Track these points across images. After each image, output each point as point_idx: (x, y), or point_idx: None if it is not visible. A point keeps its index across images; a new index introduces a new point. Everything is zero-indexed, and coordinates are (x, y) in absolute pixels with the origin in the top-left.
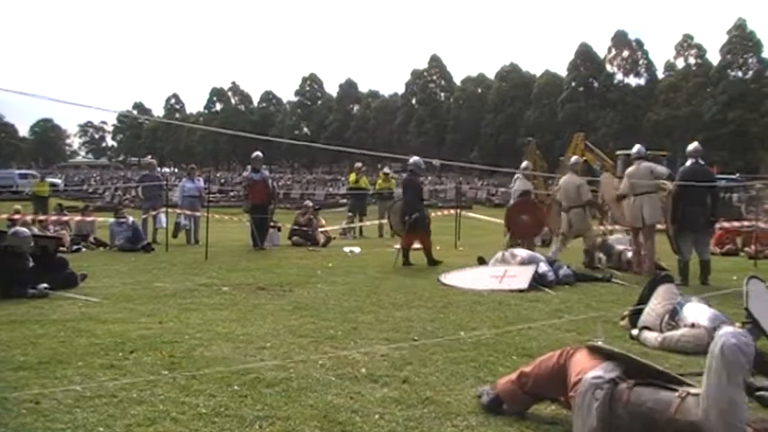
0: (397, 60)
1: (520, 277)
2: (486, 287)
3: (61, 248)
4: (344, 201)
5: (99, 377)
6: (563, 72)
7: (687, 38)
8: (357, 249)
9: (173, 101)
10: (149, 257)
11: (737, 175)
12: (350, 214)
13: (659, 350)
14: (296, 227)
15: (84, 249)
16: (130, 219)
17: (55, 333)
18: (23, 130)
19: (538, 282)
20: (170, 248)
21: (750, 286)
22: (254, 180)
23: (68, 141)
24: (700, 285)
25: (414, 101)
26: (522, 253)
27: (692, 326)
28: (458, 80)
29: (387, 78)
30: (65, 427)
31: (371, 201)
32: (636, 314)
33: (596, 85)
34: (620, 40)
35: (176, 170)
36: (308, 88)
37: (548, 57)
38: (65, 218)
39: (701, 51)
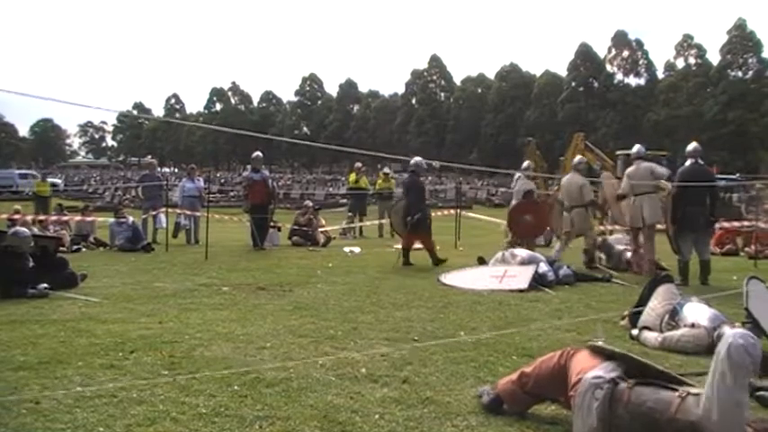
0: (397, 60)
1: (520, 277)
2: (486, 287)
3: (61, 248)
4: (344, 201)
5: (99, 377)
6: (563, 72)
7: (687, 38)
8: (357, 249)
9: (173, 101)
10: (149, 257)
11: (737, 175)
12: (350, 214)
13: (659, 350)
14: (296, 227)
15: (84, 249)
16: (130, 219)
17: (55, 333)
18: (23, 130)
19: (538, 282)
20: (170, 248)
21: (750, 287)
22: (254, 180)
23: (68, 141)
24: (700, 285)
25: (414, 101)
26: (522, 253)
27: (692, 326)
28: (458, 80)
29: (387, 78)
30: (65, 427)
31: (371, 201)
32: (636, 314)
33: (596, 85)
34: (620, 40)
35: (176, 170)
36: (308, 88)
37: (548, 57)
38: (65, 218)
39: (701, 51)
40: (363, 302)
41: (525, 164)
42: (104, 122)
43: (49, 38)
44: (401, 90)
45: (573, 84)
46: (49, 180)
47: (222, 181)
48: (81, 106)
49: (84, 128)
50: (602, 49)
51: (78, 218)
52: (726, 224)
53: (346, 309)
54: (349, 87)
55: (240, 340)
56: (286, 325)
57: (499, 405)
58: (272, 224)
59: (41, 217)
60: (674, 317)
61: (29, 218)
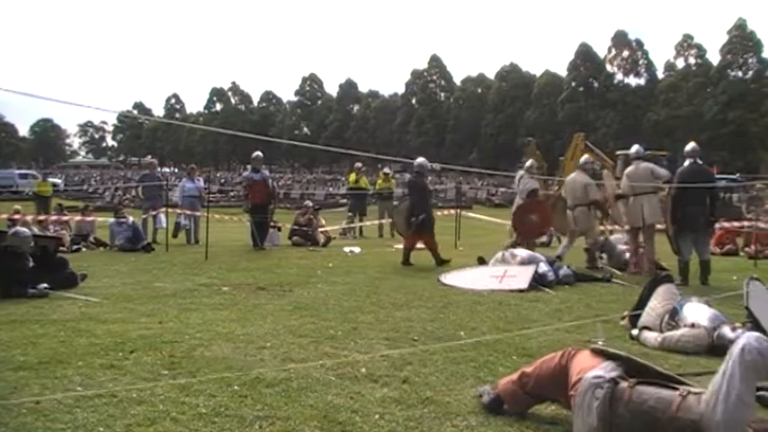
0: (397, 60)
1: (520, 277)
2: (486, 287)
3: (61, 248)
4: (344, 201)
5: (99, 377)
6: (563, 72)
7: (687, 38)
8: (357, 249)
9: (173, 101)
10: (149, 257)
11: (737, 175)
12: (350, 214)
13: (659, 350)
14: (296, 227)
15: (84, 249)
16: (130, 219)
17: (55, 333)
18: (23, 130)
19: (538, 282)
20: (170, 248)
21: (750, 287)
22: (255, 180)
23: (68, 141)
24: (700, 285)
25: (414, 101)
26: (522, 253)
27: (692, 326)
28: (458, 80)
29: (387, 78)
30: (65, 427)
31: (371, 201)
32: (636, 315)
33: (596, 85)
34: (620, 40)
35: (176, 170)
36: (308, 88)
37: (548, 57)
38: (65, 218)
39: (701, 51)
40: (363, 302)
41: (529, 162)
42: (104, 122)
43: (50, 38)
44: (401, 90)
45: (573, 84)
46: (50, 180)
47: (222, 181)
48: (81, 106)
49: (84, 128)
50: (602, 49)
51: (78, 218)
52: (726, 224)
53: (346, 309)
54: (349, 87)
55: (240, 340)
56: (286, 325)
57: (499, 405)
58: (272, 224)
59: (42, 217)
60: (674, 317)
61: (29, 218)
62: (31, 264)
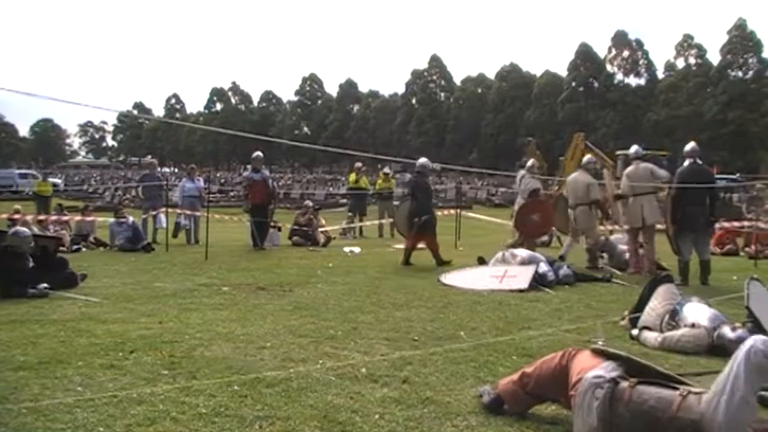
0: (397, 60)
1: (520, 277)
2: (486, 287)
3: (61, 248)
4: (344, 201)
5: (99, 377)
6: (563, 72)
7: (687, 38)
8: (357, 249)
9: (173, 101)
10: (149, 257)
11: (737, 175)
12: (350, 214)
13: (659, 350)
14: (296, 227)
15: (84, 249)
16: (130, 219)
17: (55, 333)
18: (23, 130)
19: (538, 282)
20: (170, 248)
21: (751, 288)
22: (255, 180)
23: (68, 141)
24: (700, 285)
25: (414, 101)
26: (522, 253)
27: (693, 326)
28: (458, 80)
29: (387, 78)
30: (65, 427)
31: (371, 201)
32: (636, 315)
33: (596, 85)
34: (620, 40)
35: (176, 170)
36: (308, 88)
37: (548, 57)
38: (65, 218)
39: (701, 51)
40: (363, 302)
41: (530, 162)
42: (104, 122)
43: (50, 38)
44: (401, 90)
45: (573, 84)
46: (50, 180)
47: (222, 181)
48: (81, 106)
49: (85, 128)
50: (602, 49)
51: (78, 218)
52: (726, 224)
53: (346, 309)
54: (349, 87)
55: (240, 340)
56: (286, 325)
57: (500, 405)
58: (272, 224)
59: (42, 217)
60: (674, 317)
61: (29, 218)
62: (31, 264)
